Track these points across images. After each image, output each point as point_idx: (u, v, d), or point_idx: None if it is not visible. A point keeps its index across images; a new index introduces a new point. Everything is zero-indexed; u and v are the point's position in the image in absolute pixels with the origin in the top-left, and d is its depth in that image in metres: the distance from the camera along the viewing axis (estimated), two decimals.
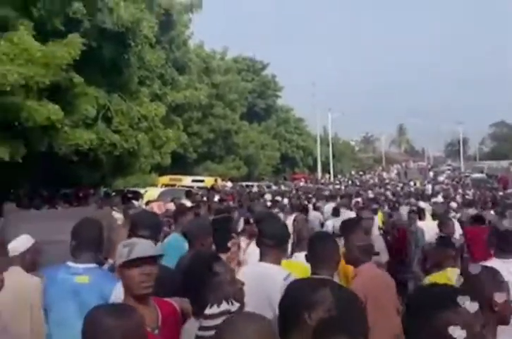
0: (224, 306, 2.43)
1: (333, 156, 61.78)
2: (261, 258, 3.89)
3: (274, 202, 16.43)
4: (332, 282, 2.70)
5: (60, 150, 15.38)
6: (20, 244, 4.10)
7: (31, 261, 4.11)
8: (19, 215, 8.95)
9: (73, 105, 15.80)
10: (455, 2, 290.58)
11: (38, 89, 13.24)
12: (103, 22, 16.15)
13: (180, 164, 30.64)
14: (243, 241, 6.16)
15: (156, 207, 12.85)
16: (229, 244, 3.24)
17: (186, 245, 4.81)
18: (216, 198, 19.64)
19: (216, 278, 2.79)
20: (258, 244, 3.94)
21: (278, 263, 3.85)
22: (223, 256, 3.94)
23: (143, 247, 2.95)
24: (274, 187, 37.26)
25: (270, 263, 3.81)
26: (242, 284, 2.86)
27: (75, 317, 3.37)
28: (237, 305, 2.47)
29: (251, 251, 5.41)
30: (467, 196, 24.38)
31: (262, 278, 3.61)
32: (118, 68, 18.06)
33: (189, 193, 19.73)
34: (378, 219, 11.41)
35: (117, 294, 3.25)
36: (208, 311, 2.45)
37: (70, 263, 3.80)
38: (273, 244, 3.80)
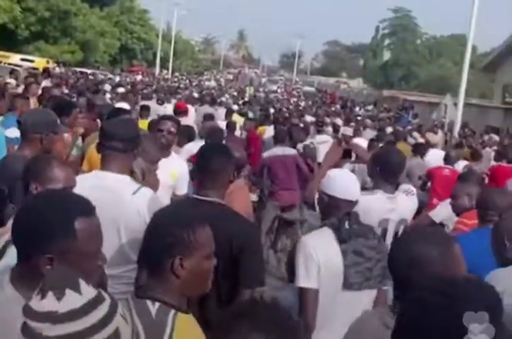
0: None
1: (174, 53, 60.42)
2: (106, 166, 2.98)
3: (116, 93, 15.79)
4: None
5: None
6: None
7: None
8: None
9: None
10: None
11: None
12: None
13: (9, 41, 28.28)
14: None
15: None
16: None
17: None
18: (46, 82, 18.30)
19: None
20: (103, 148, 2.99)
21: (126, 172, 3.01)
22: None
23: None
24: (110, 76, 35.78)
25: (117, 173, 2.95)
26: None
27: None
28: None
29: None
30: (300, 107, 25.60)
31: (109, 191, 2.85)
32: None
33: (15, 72, 17.98)
34: None
35: None
36: None
37: None
38: (122, 147, 2.92)
